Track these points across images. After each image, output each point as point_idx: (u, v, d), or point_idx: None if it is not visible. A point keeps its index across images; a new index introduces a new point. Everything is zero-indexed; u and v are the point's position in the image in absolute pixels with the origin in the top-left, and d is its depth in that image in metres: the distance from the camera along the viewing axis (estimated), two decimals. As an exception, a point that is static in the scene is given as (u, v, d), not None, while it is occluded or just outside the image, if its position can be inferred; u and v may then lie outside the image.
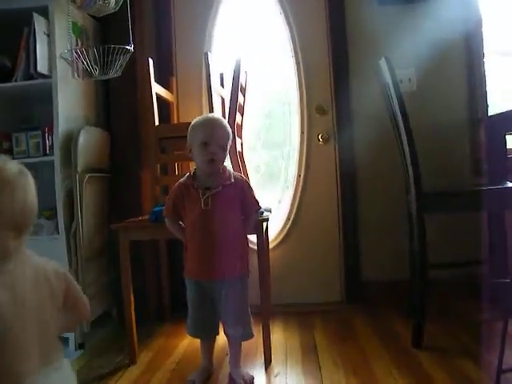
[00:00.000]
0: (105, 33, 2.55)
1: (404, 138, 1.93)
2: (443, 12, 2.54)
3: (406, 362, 1.77)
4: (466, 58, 2.57)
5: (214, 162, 1.63)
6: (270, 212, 2.02)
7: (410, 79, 2.57)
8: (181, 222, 1.75)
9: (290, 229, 2.67)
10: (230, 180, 1.68)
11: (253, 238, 1.89)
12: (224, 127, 1.67)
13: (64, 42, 2.20)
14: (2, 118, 2.38)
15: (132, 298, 1.94)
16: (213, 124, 1.67)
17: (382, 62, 1.98)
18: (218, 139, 1.63)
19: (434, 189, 1.99)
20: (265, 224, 1.88)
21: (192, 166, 2.37)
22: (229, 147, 1.70)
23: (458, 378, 1.60)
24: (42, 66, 2.11)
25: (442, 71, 2.57)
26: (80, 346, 2.15)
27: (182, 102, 2.69)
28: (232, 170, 1.75)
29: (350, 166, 2.60)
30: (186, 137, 1.70)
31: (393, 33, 2.55)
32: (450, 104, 2.57)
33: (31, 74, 2.17)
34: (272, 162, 2.83)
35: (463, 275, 2.32)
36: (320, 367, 1.79)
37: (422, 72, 2.56)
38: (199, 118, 1.71)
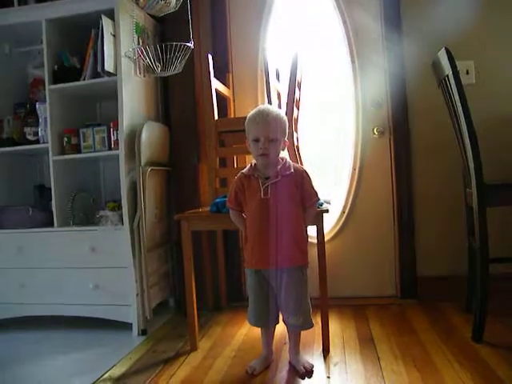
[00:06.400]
0: (163, 32, 2.65)
1: (464, 130, 1.90)
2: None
3: (467, 356, 1.75)
4: (528, 48, 2.49)
5: (266, 155, 1.67)
6: (330, 204, 2.04)
7: (467, 71, 2.51)
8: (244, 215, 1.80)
9: (344, 222, 2.67)
10: (290, 170, 1.72)
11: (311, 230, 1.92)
12: (274, 119, 1.68)
13: (127, 41, 2.31)
14: (71, 114, 2.52)
15: (194, 287, 2.02)
16: (262, 119, 1.68)
17: (442, 54, 1.95)
18: (268, 133, 1.66)
19: (494, 181, 1.95)
20: (324, 215, 1.90)
21: (249, 159, 2.45)
22: (285, 135, 1.72)
23: (523, 374, 1.57)
24: (108, 65, 2.23)
25: (502, 62, 2.49)
26: (143, 332, 2.27)
27: (237, 97, 2.75)
28: (292, 162, 1.77)
29: (406, 159, 2.58)
30: (244, 130, 1.76)
31: (450, 24, 2.49)
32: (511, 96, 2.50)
33: (98, 72, 2.30)
34: (326, 156, 2.83)
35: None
36: (379, 358, 1.80)
37: (481, 63, 2.50)
38: (252, 112, 1.73)
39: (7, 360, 2.05)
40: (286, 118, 1.75)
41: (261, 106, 1.76)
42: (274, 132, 1.67)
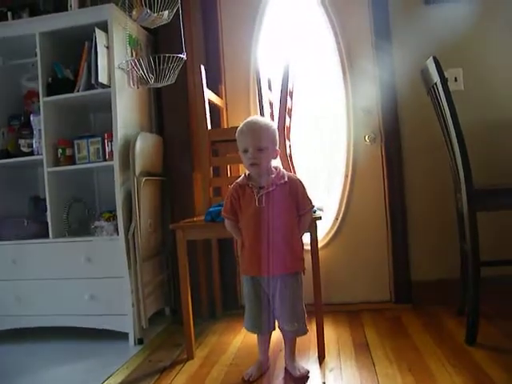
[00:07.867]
0: (156, 43, 2.68)
1: (453, 136, 1.93)
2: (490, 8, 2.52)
3: (461, 359, 1.77)
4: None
5: (256, 165, 1.70)
6: (323, 211, 2.07)
7: (456, 78, 2.56)
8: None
9: (338, 229, 2.70)
10: (284, 179, 1.74)
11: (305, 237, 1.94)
12: (262, 128, 1.71)
13: (121, 53, 2.34)
14: (65, 126, 2.53)
15: (189, 296, 2.03)
16: (250, 129, 1.71)
17: (430, 62, 1.99)
18: (256, 144, 1.68)
19: (484, 187, 1.98)
20: (318, 222, 1.92)
21: (242, 168, 2.47)
22: (275, 144, 1.74)
23: (517, 377, 1.58)
24: (102, 77, 2.25)
25: (490, 69, 2.54)
26: (139, 342, 2.27)
27: (230, 107, 2.78)
28: (285, 171, 1.80)
29: (397, 166, 2.61)
30: (236, 140, 1.78)
31: (438, 32, 2.54)
32: (500, 102, 2.53)
33: (92, 84, 2.32)
34: (319, 164, 2.86)
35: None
36: (374, 363, 1.82)
37: (469, 71, 2.55)
38: (241, 124, 1.76)
39: (3, 372, 2.05)
40: (274, 127, 1.77)
41: (249, 118, 1.78)
42: (262, 141, 1.69)
